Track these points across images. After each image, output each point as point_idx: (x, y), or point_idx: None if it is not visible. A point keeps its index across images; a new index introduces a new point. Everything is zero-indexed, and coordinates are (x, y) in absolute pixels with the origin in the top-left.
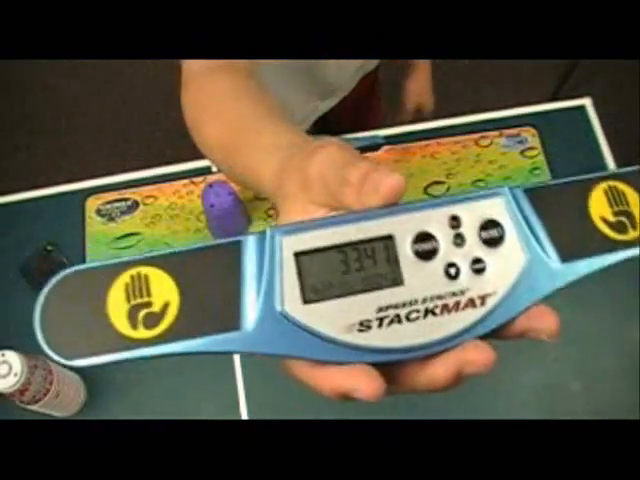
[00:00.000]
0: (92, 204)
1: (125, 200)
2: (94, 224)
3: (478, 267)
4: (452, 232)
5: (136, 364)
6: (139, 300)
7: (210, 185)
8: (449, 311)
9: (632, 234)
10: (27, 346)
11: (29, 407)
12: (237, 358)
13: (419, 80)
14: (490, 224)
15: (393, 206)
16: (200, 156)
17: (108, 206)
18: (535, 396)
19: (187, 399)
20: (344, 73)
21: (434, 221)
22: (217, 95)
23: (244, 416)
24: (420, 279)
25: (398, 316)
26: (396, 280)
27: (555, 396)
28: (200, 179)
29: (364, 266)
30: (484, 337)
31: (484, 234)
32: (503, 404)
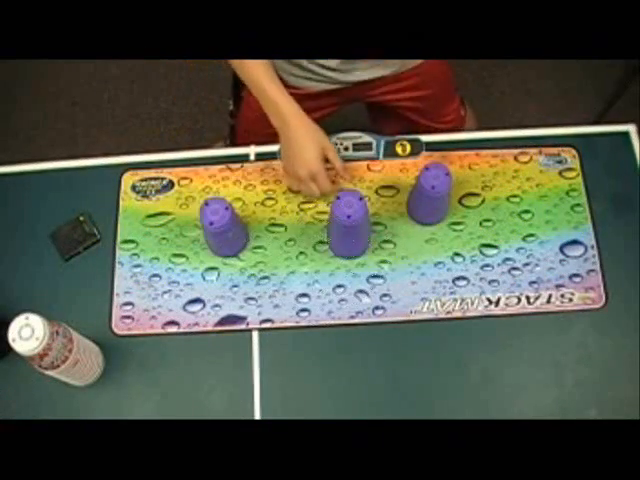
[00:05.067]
0: (128, 180)
1: (161, 179)
2: (128, 199)
3: None
4: None
5: (159, 342)
6: None
7: (206, 203)
8: None
9: None
10: (51, 312)
11: (47, 372)
12: (256, 360)
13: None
14: None
15: None
16: (238, 144)
17: (144, 183)
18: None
19: (203, 385)
20: None
21: None
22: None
23: (257, 416)
24: None
25: None
26: None
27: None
28: (237, 166)
29: None
30: None
31: None
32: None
